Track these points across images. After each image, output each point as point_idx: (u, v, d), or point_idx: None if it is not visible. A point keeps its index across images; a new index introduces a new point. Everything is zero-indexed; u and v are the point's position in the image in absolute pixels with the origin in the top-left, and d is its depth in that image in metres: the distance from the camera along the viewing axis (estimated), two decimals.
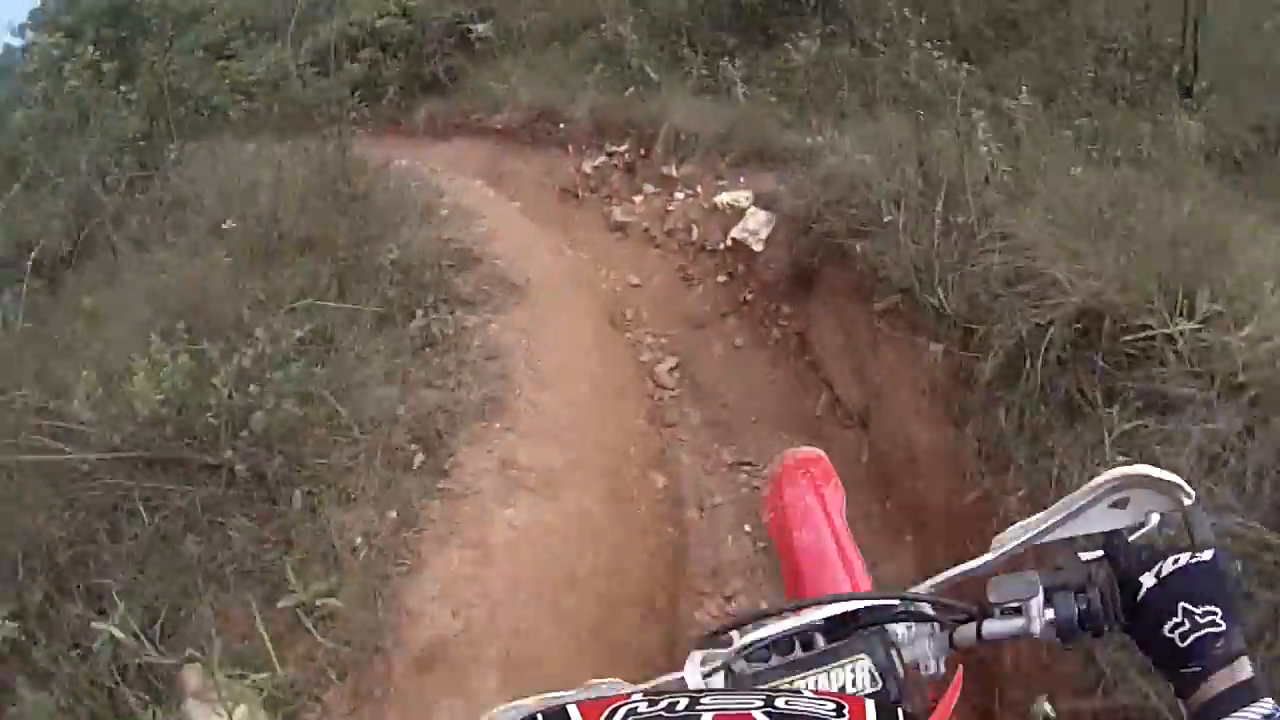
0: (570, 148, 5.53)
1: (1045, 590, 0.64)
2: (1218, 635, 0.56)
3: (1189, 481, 0.66)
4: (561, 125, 5.65)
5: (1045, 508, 0.70)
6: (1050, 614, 0.64)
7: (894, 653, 0.67)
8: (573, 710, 0.52)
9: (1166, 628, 0.58)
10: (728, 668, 0.69)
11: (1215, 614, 0.57)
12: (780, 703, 0.50)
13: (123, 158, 4.47)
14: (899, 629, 0.71)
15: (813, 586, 1.09)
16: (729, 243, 4.10)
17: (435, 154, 6.27)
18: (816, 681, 0.65)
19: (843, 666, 0.65)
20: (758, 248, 3.91)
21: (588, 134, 5.45)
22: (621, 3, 5.98)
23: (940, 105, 3.32)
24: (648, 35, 5.64)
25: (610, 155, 5.26)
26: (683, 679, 0.68)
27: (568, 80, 5.84)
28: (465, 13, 6.95)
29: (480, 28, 6.75)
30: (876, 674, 0.65)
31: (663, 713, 0.50)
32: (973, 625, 0.68)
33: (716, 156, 4.52)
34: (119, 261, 3.79)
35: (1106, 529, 0.68)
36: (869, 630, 0.68)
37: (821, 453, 1.40)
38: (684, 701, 0.51)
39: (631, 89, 5.41)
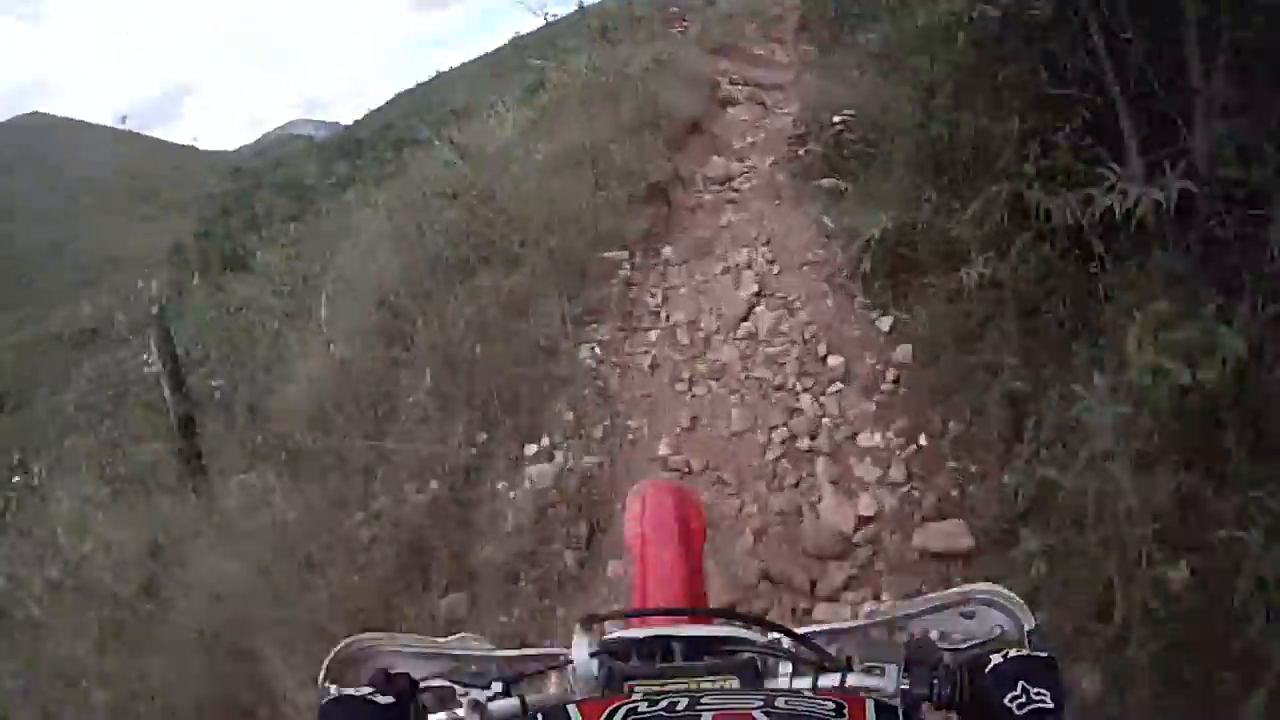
0: None
1: (905, 660, 0.71)
2: (1046, 712, 0.64)
3: None
4: None
5: None
6: (906, 682, 0.70)
7: (759, 682, 0.72)
8: (573, 710, 0.54)
9: (1007, 698, 0.64)
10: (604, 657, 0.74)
11: (1046, 696, 0.64)
12: (780, 702, 0.52)
13: None
14: (769, 661, 0.75)
15: (660, 605, 1.14)
16: None
17: None
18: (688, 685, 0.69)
19: (711, 681, 0.71)
20: None
21: None
22: None
23: None
24: None
25: None
26: (562, 653, 0.76)
27: None
28: None
29: None
30: None
31: (663, 712, 0.51)
32: (837, 675, 0.72)
33: None
34: None
35: (955, 631, 0.80)
36: (743, 654, 0.74)
37: (691, 489, 1.58)
38: (684, 701, 0.52)
39: None
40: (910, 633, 0.79)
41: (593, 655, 0.72)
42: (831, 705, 0.51)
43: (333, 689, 0.73)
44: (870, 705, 0.52)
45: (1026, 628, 0.75)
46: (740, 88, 9.27)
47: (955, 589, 0.76)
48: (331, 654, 0.76)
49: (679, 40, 10.88)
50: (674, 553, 1.22)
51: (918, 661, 0.70)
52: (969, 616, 0.77)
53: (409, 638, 0.79)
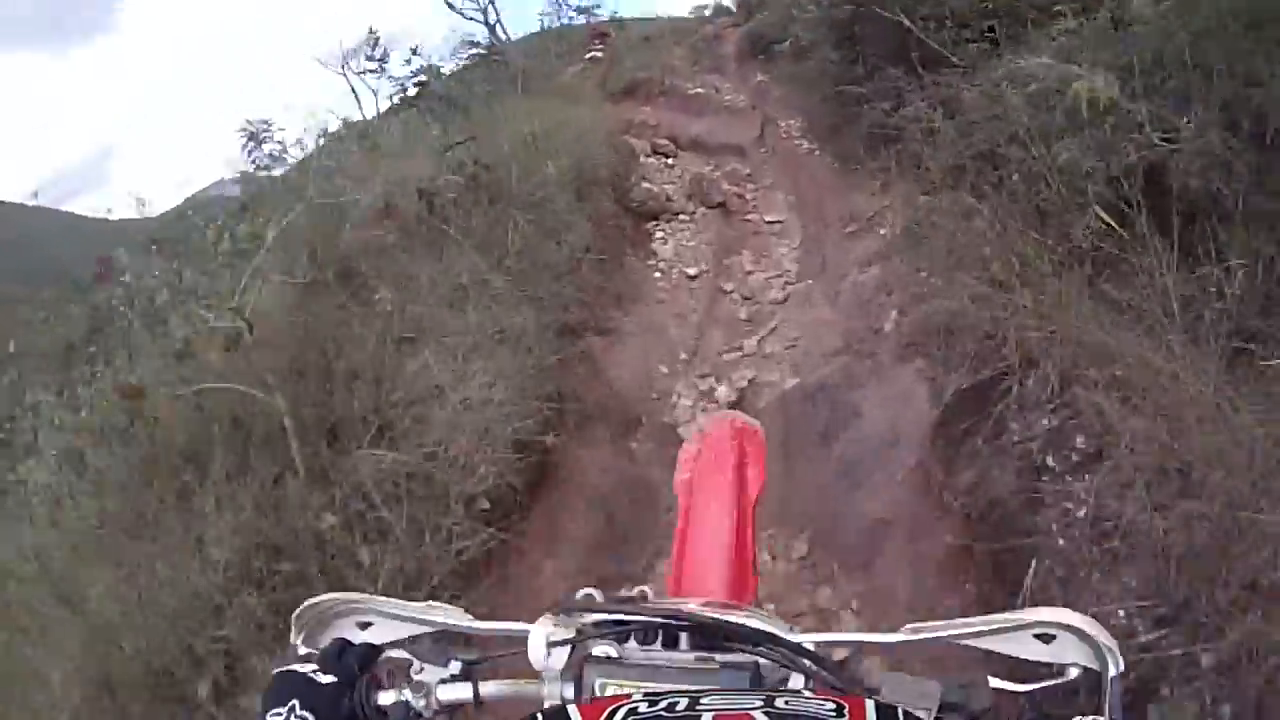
0: None
1: (942, 703, 0.59)
2: None
3: None
4: None
5: None
6: None
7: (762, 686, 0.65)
8: (573, 710, 0.53)
9: None
10: (580, 645, 0.68)
11: None
12: (780, 702, 0.51)
13: None
14: (776, 670, 0.66)
15: (697, 568, 1.10)
16: None
17: None
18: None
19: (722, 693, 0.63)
20: None
21: None
22: None
23: None
24: None
25: None
26: (523, 634, 0.69)
27: None
28: None
29: None
30: None
31: (663, 712, 0.51)
32: None
33: None
34: None
35: (1024, 656, 0.65)
36: (744, 657, 0.66)
37: (759, 428, 1.38)
38: (684, 702, 0.52)
39: None
40: (971, 654, 0.66)
41: (554, 644, 0.65)
42: (832, 706, 0.48)
43: (301, 648, 0.73)
44: (870, 705, 0.48)
45: (1113, 673, 0.59)
46: (672, 165, 5.91)
47: (1033, 612, 0.62)
48: (303, 607, 0.73)
49: (574, 90, 7.45)
50: (723, 505, 1.13)
51: (953, 708, 0.58)
52: (1044, 640, 0.63)
53: (384, 600, 0.74)
